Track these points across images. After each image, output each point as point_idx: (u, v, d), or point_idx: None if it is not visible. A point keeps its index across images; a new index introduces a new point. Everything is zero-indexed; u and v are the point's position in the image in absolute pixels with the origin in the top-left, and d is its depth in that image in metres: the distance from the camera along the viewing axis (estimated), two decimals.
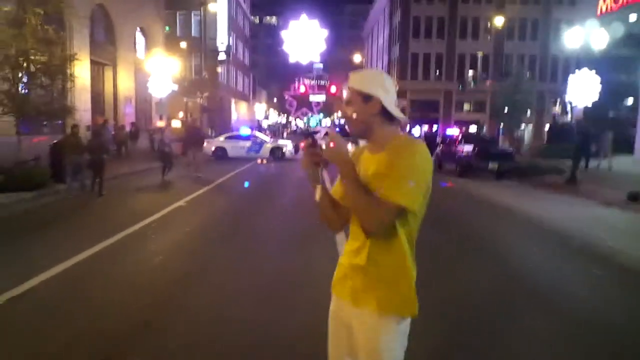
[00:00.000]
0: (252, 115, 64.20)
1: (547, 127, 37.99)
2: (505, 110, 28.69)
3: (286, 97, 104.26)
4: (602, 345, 3.91)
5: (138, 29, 26.61)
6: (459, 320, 4.33)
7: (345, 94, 1.90)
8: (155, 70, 20.93)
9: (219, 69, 43.70)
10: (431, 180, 1.77)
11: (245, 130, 24.53)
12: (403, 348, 1.84)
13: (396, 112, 1.86)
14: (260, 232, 7.77)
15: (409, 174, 1.69)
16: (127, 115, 24.75)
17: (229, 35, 45.49)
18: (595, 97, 16.01)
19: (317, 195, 1.92)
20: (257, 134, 25.47)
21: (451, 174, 17.77)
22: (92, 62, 20.63)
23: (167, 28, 34.94)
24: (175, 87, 27.54)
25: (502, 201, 11.47)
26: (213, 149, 22.19)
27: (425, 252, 5.56)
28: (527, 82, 25.09)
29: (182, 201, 10.17)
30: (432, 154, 10.45)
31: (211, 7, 38.33)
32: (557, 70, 42.89)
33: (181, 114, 34.18)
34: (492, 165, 16.58)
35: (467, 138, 20.41)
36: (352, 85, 1.86)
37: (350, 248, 1.89)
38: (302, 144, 1.89)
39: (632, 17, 20.99)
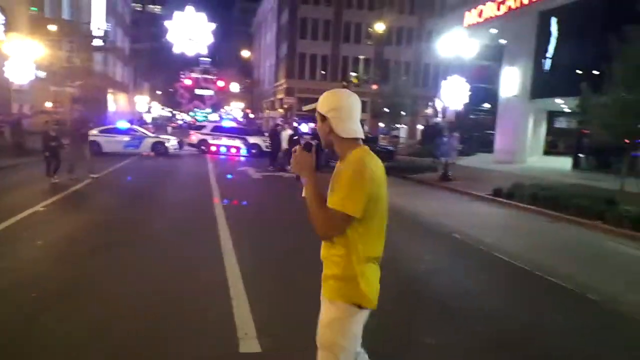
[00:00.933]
0: (132, 108, 60.34)
1: (420, 128, 41.06)
2: (386, 110, 30.31)
3: (178, 89, 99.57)
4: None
5: None
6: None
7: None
8: (14, 54, 18.69)
9: (95, 57, 40.41)
10: (380, 189, 2.03)
11: (122, 124, 22.90)
12: (347, 335, 2.07)
13: (345, 132, 2.06)
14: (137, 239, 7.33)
15: (346, 185, 1.97)
16: None
17: (107, 20, 42.30)
18: (466, 100, 17.73)
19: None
20: (137, 127, 23.95)
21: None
22: None
23: (33, 8, 31.42)
24: (42, 74, 24.91)
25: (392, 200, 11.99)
26: None
27: (299, 254, 5.61)
28: (403, 85, 26.82)
29: (39, 205, 8.80)
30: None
31: None
32: (428, 76, 46.46)
33: (50, 104, 31.02)
34: None
35: None
36: (317, 104, 2.10)
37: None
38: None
39: (493, 30, 23.48)
